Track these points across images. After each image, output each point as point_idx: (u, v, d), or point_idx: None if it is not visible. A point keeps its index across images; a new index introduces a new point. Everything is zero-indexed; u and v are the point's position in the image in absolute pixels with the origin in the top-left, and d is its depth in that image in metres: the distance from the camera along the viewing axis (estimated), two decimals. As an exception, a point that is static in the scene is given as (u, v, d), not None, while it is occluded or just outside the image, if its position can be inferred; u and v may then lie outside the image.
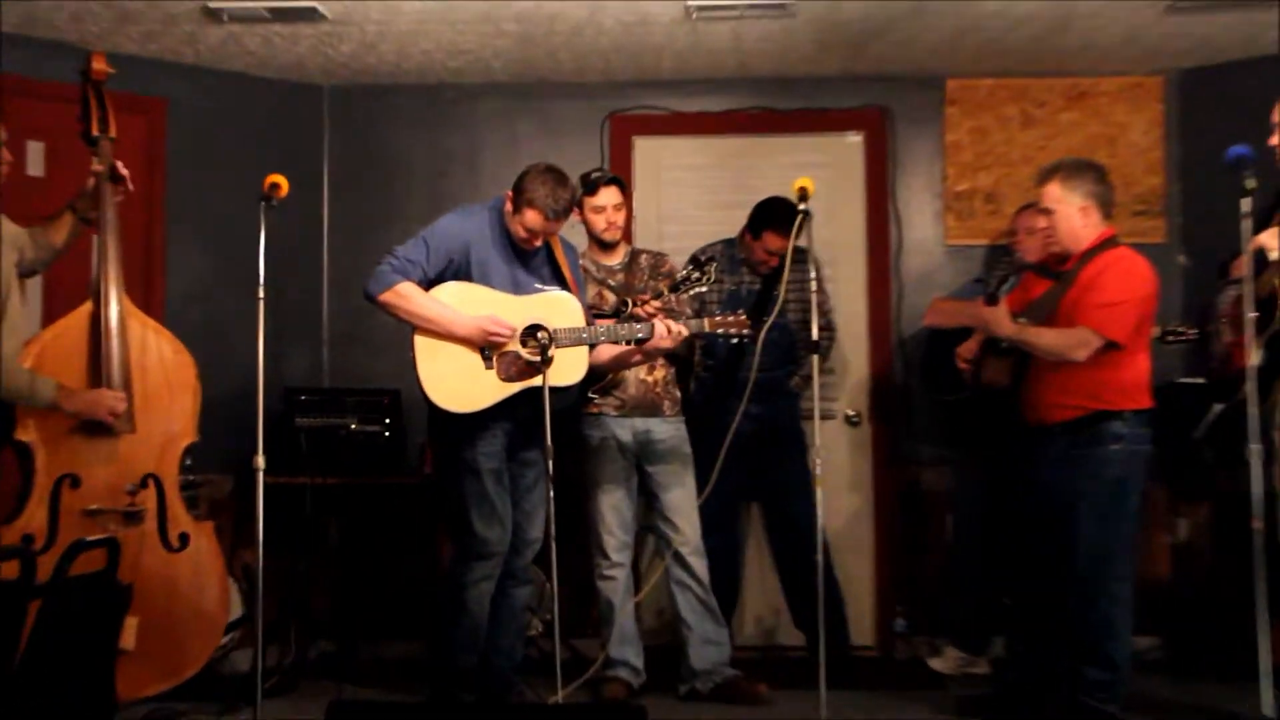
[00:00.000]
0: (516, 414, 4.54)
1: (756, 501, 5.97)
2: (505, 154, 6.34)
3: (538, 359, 4.33)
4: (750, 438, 5.40)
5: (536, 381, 4.34)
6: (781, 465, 5.50)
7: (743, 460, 5.41)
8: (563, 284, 4.70)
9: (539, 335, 4.41)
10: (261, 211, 4.36)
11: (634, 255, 5.27)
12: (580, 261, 5.02)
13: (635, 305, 4.77)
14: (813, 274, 4.57)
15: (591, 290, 5.12)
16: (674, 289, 4.73)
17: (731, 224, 5.85)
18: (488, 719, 3.98)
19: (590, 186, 5.08)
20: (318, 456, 5.68)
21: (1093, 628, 4.54)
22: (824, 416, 5.89)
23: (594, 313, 4.86)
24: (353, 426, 5.80)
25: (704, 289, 4.76)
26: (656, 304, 4.73)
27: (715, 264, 4.76)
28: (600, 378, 5.04)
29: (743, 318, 4.58)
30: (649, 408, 5.21)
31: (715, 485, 5.03)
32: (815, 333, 4.60)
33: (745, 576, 6.16)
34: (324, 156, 6.47)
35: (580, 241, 5.24)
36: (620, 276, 5.23)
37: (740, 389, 4.95)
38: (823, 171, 6.09)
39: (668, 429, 5.21)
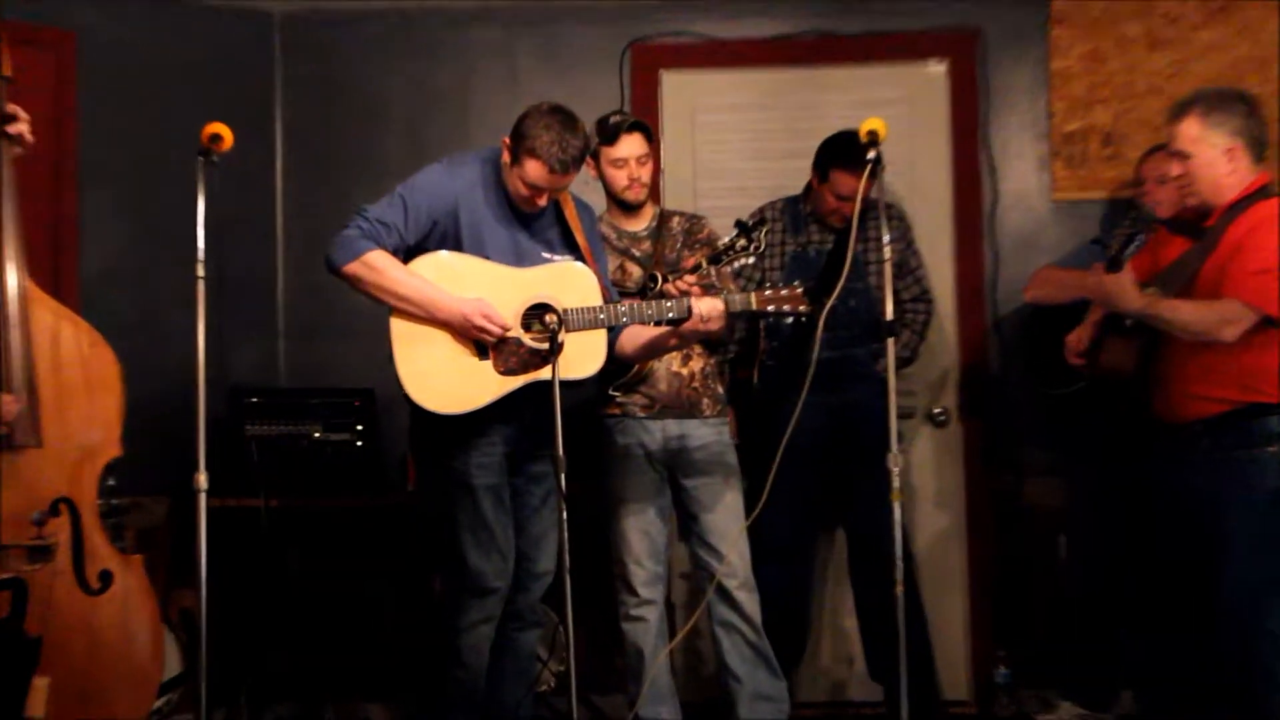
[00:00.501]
0: (520, 416, 4.54)
1: (840, 520, 5.94)
2: (502, 93, 6.31)
3: (545, 346, 4.32)
4: (823, 437, 5.42)
5: (545, 374, 4.32)
6: (861, 472, 5.36)
7: (815, 466, 5.46)
8: (575, 252, 4.69)
9: (546, 317, 4.37)
10: (199, 169, 4.35)
11: (663, 219, 5.25)
12: (598, 227, 5.00)
13: (666, 280, 4.75)
14: (886, 235, 4.48)
15: (612, 262, 5.11)
16: (714, 260, 4.70)
17: (784, 178, 5.86)
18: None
19: (609, 134, 5.08)
20: (274, 473, 5.68)
21: (1248, 678, 4.46)
22: (903, 414, 5.84)
23: (616, 290, 4.88)
24: (316, 435, 5.85)
25: (751, 260, 4.75)
26: (692, 279, 4.71)
27: (766, 229, 4.73)
28: (623, 371, 5.04)
29: (798, 291, 4.52)
30: (684, 407, 5.20)
31: (779, 499, 4.87)
32: (889, 308, 4.48)
33: (818, 616, 6.15)
34: (276, 101, 6.47)
35: (599, 203, 5.23)
36: (647, 245, 5.21)
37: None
38: (897, 110, 6.02)
39: (707, 433, 5.20)
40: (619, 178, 5.13)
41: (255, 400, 5.89)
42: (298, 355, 6.45)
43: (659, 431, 5.19)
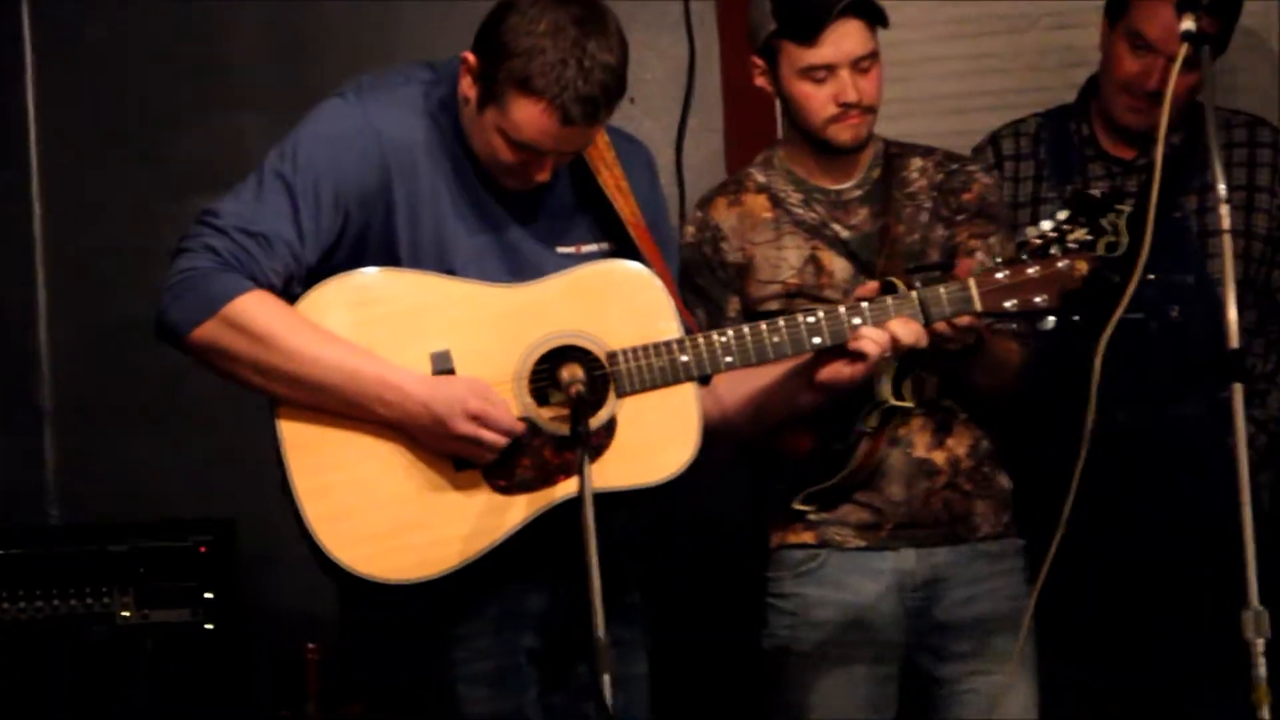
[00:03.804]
0: (552, 571, 3.32)
1: None
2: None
3: (567, 431, 3.27)
4: (1114, 588, 3.95)
5: (571, 489, 3.28)
6: (1194, 655, 3.86)
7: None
8: (620, 239, 3.44)
9: (563, 375, 3.26)
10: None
11: (890, 163, 3.93)
12: (658, 180, 3.62)
13: (913, 286, 3.43)
14: (1222, 181, 3.14)
15: (796, 254, 3.81)
16: (1035, 253, 3.29)
17: (1034, 88, 4.54)
18: None
19: (804, 22, 3.70)
20: (41, 685, 4.47)
21: None
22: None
23: (790, 307, 3.58)
24: (125, 614, 4.56)
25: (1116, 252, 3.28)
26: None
27: (1128, 207, 3.31)
28: (820, 466, 3.67)
29: (1044, 270, 3.24)
30: (941, 523, 3.77)
31: None
32: (1234, 325, 3.17)
33: None
34: (25, 40, 4.97)
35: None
36: (864, 216, 3.86)
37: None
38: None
39: (983, 570, 3.77)
40: (820, 101, 3.75)
41: (5, 554, 4.62)
42: (81, 459, 4.96)
43: (895, 572, 3.75)
